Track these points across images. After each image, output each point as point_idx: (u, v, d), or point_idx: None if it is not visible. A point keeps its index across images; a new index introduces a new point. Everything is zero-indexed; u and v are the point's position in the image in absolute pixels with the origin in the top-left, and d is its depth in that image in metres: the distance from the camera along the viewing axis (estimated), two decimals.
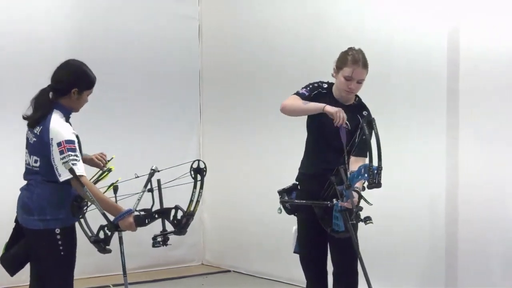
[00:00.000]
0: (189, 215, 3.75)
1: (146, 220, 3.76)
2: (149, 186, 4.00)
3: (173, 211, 3.77)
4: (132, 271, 6.62)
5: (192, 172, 3.79)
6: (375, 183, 3.67)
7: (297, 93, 4.28)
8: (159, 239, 3.84)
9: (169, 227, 3.83)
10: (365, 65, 4.17)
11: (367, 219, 3.89)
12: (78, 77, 3.82)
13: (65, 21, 6.51)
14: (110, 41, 6.68)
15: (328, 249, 4.37)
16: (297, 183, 4.41)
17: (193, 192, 3.76)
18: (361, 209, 3.89)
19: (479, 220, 5.14)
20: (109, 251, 3.86)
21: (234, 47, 7.04)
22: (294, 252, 4.45)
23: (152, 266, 6.79)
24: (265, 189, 6.19)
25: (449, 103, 5.31)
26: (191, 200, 3.76)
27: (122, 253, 4.10)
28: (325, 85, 4.33)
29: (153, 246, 3.87)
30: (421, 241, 5.50)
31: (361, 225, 4.01)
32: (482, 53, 5.10)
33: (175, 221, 3.76)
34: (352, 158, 4.10)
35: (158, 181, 3.95)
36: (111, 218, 3.73)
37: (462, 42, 5.23)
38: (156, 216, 3.79)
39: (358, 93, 4.34)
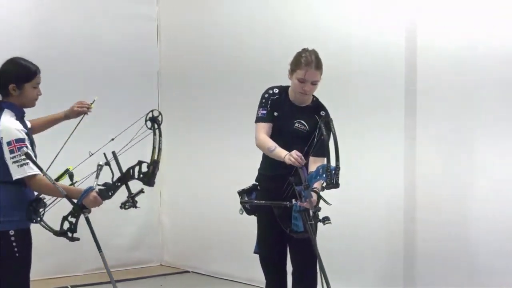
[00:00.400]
0: (154, 163, 3.81)
1: (110, 192, 3.79)
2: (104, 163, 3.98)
3: (137, 167, 3.82)
4: (90, 272, 6.67)
5: (149, 123, 3.90)
6: (333, 183, 3.70)
7: (259, 118, 4.29)
8: (128, 204, 3.89)
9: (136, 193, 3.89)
10: (318, 66, 4.18)
11: (326, 219, 3.89)
12: (10, 73, 3.77)
13: (22, 20, 6.43)
14: (66, 41, 6.60)
15: (288, 249, 4.38)
16: (257, 183, 4.42)
17: (154, 139, 3.87)
18: (319, 209, 3.90)
19: (437, 220, 5.18)
20: (77, 239, 3.85)
21: (193, 47, 7.00)
22: (254, 252, 4.47)
23: (110, 267, 6.70)
24: (225, 190, 6.17)
25: (407, 102, 5.34)
26: (154, 147, 3.84)
27: (92, 232, 3.99)
28: (276, 90, 4.34)
29: (122, 207, 3.92)
30: (380, 241, 5.52)
31: (320, 225, 4.02)
32: (439, 52, 5.13)
33: (142, 175, 3.81)
34: (311, 159, 4.12)
35: (113, 152, 3.96)
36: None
37: (419, 41, 5.24)
38: (119, 184, 3.83)
39: (316, 93, 4.36)
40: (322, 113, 4.26)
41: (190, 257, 7.20)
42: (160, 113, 3.91)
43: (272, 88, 4.37)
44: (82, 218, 3.86)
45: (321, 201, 4.03)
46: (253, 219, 4.48)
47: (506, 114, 4.82)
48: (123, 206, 3.89)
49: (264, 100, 4.33)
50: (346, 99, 5.63)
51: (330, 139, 3.89)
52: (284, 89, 4.36)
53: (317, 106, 4.32)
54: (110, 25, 6.91)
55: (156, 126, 3.91)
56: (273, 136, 4.28)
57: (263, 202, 4.25)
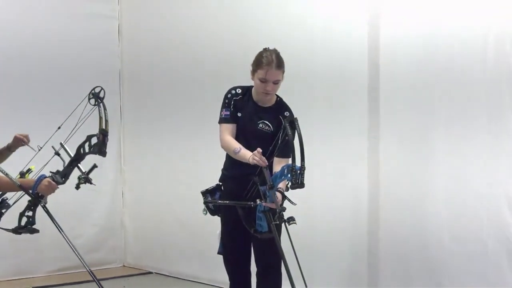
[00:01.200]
0: (103, 132, 4.03)
1: (63, 177, 3.99)
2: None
3: (87, 143, 4.03)
4: (51, 273, 6.62)
5: (92, 100, 4.14)
6: (298, 183, 3.67)
7: (222, 119, 4.30)
8: (82, 181, 4.13)
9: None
10: (279, 65, 4.17)
11: (291, 220, 3.87)
12: None
13: None
14: (26, 40, 6.52)
15: (252, 249, 4.38)
16: (221, 183, 4.42)
17: (99, 111, 4.09)
18: (284, 209, 3.88)
19: (400, 219, 5.21)
20: (37, 230, 3.99)
21: (155, 46, 6.96)
22: (218, 253, 4.46)
23: (71, 268, 6.63)
24: (188, 189, 6.26)
25: (370, 102, 5.35)
26: (100, 117, 4.06)
27: (51, 218, 4.14)
28: (239, 90, 4.34)
29: (77, 187, 4.16)
30: (344, 241, 5.53)
31: (284, 225, 3.98)
32: (400, 50, 5.14)
33: (92, 147, 4.01)
34: (275, 159, 4.12)
35: (61, 143, 4.14)
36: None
37: (382, 39, 5.26)
38: (71, 166, 4.02)
39: (280, 93, 4.36)
40: (286, 113, 4.27)
41: (153, 258, 7.14)
42: (102, 88, 4.13)
43: (234, 88, 4.36)
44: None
45: (286, 201, 4.03)
46: (217, 220, 4.47)
47: (464, 111, 4.85)
48: (77, 186, 4.09)
49: (227, 101, 4.32)
50: (309, 99, 5.62)
51: (294, 139, 3.85)
52: (247, 89, 4.36)
53: (280, 106, 4.32)
54: (70, 24, 6.82)
55: (99, 100, 4.12)
56: (237, 137, 4.28)
57: (227, 202, 4.25)
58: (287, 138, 3.86)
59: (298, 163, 3.74)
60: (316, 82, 5.66)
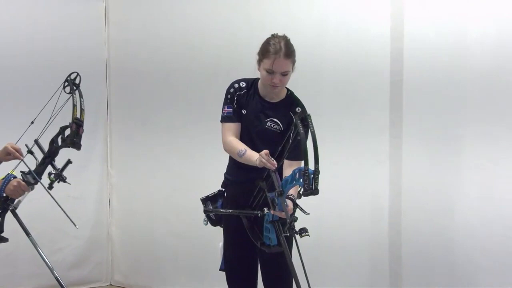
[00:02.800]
0: (78, 122, 4.08)
1: (34, 176, 4.03)
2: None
3: (60, 136, 4.09)
4: None
5: (67, 87, 4.18)
6: (311, 189, 3.58)
7: (224, 118, 4.30)
8: (53, 178, 4.11)
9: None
10: (288, 54, 4.12)
11: (303, 231, 3.80)
12: None
13: None
14: (6, 29, 6.45)
15: (259, 265, 4.39)
16: (223, 189, 4.42)
17: (74, 98, 4.14)
18: (295, 219, 3.82)
19: (426, 231, 5.27)
20: (6, 239, 4.07)
21: (147, 31, 6.85)
22: (220, 269, 4.46)
23: (52, 287, 6.66)
24: (185, 196, 6.26)
25: (392, 96, 5.40)
26: (74, 105, 4.11)
27: (21, 224, 4.20)
28: (243, 84, 4.33)
29: (50, 187, 4.11)
30: (361, 255, 5.58)
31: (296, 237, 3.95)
32: (427, 39, 5.21)
33: (66, 139, 4.08)
34: (286, 162, 4.08)
35: (35, 140, 4.18)
36: None
37: (406, 26, 5.30)
38: (44, 164, 4.06)
39: (289, 86, 4.35)
40: (298, 109, 4.23)
41: (144, 275, 7.10)
42: (78, 74, 4.23)
43: (238, 81, 4.36)
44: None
45: (297, 210, 4.02)
46: (218, 231, 4.49)
47: (498, 110, 4.92)
48: (50, 186, 4.09)
49: (229, 96, 4.31)
50: (319, 92, 5.66)
51: (307, 138, 3.77)
52: (252, 82, 4.35)
53: (291, 101, 4.29)
54: (47, 4, 6.72)
55: (75, 87, 4.18)
56: (241, 137, 4.28)
57: (230, 211, 4.24)
58: (299, 138, 3.78)
59: (311, 166, 3.65)
60: (329, 74, 5.69)
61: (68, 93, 4.19)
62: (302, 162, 3.76)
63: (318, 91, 5.62)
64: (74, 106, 4.10)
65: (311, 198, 3.68)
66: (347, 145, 5.57)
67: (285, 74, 4.15)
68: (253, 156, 4.02)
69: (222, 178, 4.49)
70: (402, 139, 5.37)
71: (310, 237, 3.88)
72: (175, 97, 6.69)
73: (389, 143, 5.44)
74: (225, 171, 4.47)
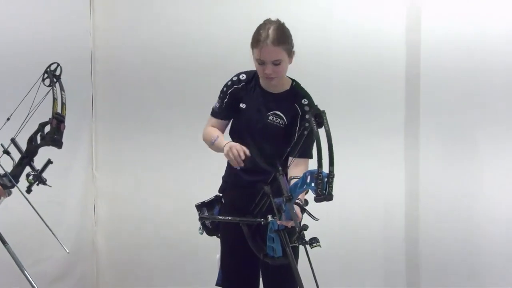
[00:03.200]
0: (58, 117, 4.01)
1: (12, 178, 3.98)
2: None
3: (39, 134, 4.03)
4: None
5: (47, 79, 4.14)
6: (325, 194, 3.43)
7: (212, 112, 4.35)
8: (32, 180, 4.05)
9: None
10: (276, 40, 3.99)
11: (314, 241, 3.61)
12: None
13: None
14: None
15: (261, 280, 4.29)
16: (221, 195, 4.35)
17: (54, 91, 4.07)
18: (306, 228, 3.64)
19: (445, 238, 5.39)
20: None
21: (138, 20, 6.70)
22: (217, 284, 4.37)
23: None
24: (177, 203, 6.19)
25: (408, 92, 5.43)
26: (54, 99, 4.03)
27: None
28: (243, 76, 4.27)
29: (28, 190, 4.07)
30: (375, 264, 5.69)
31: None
32: (445, 34, 5.32)
33: (45, 136, 4.02)
34: (292, 160, 3.94)
35: (12, 139, 4.12)
36: None
37: (423, 20, 5.37)
38: (22, 164, 4.02)
39: (299, 78, 4.25)
40: (304, 101, 4.14)
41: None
42: (58, 64, 4.20)
43: (238, 74, 4.29)
44: None
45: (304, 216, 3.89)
46: (215, 241, 4.38)
47: None
48: (29, 189, 4.06)
49: (225, 89, 4.28)
50: (329, 88, 5.61)
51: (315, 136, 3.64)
52: (254, 74, 4.26)
53: (296, 92, 4.20)
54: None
55: (55, 79, 4.14)
56: (241, 134, 4.22)
57: (229, 218, 4.11)
58: (306, 132, 3.72)
59: (325, 168, 3.49)
60: (339, 68, 5.68)
61: (48, 86, 4.13)
62: (309, 160, 3.93)
63: (327, 87, 5.60)
64: (54, 99, 4.03)
65: (319, 203, 3.52)
66: (358, 146, 5.57)
67: (277, 63, 4.04)
68: (222, 143, 4.07)
69: (219, 182, 4.41)
70: (418, 139, 5.45)
71: (321, 248, 3.70)
72: (167, 94, 6.57)
73: (404, 143, 5.49)
74: (223, 174, 4.40)
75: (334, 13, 5.60)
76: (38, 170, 4.07)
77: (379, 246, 5.50)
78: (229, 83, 4.26)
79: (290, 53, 4.06)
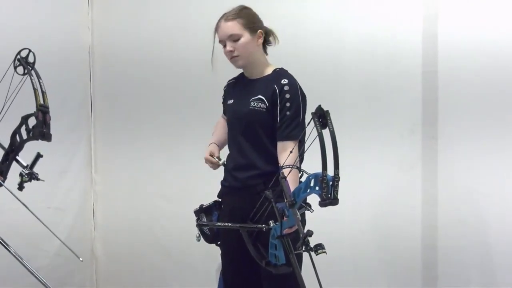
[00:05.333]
0: (43, 108, 3.92)
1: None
2: None
3: (23, 127, 3.96)
4: None
5: (20, 68, 4.05)
6: (330, 198, 3.37)
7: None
8: (25, 178, 4.01)
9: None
10: (230, 16, 4.18)
11: (319, 248, 3.53)
12: None
13: None
14: None
15: None
16: (220, 200, 4.34)
17: (32, 81, 3.96)
18: (311, 233, 3.55)
19: (465, 248, 5.28)
20: None
21: (139, 14, 6.71)
22: None
23: None
24: (177, 208, 6.18)
25: (424, 90, 5.36)
26: (35, 89, 3.93)
27: None
28: (238, 75, 4.43)
29: (20, 188, 4.03)
30: (390, 275, 5.57)
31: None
32: (464, 28, 5.23)
33: (33, 130, 3.93)
34: (279, 145, 4.07)
35: None
36: None
37: (440, 13, 5.30)
38: (7, 161, 4.00)
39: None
40: (284, 80, 4.13)
41: None
42: (30, 50, 4.09)
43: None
44: None
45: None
46: (215, 248, 4.38)
47: None
48: (20, 186, 4.01)
49: (225, 89, 4.49)
50: (343, 88, 5.62)
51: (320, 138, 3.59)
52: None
53: (277, 75, 4.23)
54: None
55: (30, 67, 4.04)
56: (229, 127, 4.37)
57: (228, 224, 4.09)
58: (288, 113, 3.94)
59: (329, 172, 3.44)
60: (351, 64, 5.64)
61: (22, 75, 4.07)
62: (295, 142, 3.92)
63: (338, 85, 5.60)
64: (34, 90, 3.95)
65: (329, 211, 3.51)
66: (372, 148, 5.53)
67: (235, 39, 4.16)
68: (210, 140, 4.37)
69: (218, 187, 4.40)
70: (437, 140, 5.36)
71: (329, 255, 3.62)
72: (169, 93, 6.58)
73: (421, 145, 5.41)
74: (222, 178, 4.41)
75: (349, 11, 5.61)
76: (28, 165, 4.04)
77: (394, 253, 5.48)
78: (227, 82, 4.42)
79: (253, 30, 4.15)
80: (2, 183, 3.99)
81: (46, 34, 6.44)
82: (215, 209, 4.27)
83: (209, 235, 4.26)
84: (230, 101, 4.31)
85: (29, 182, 4.07)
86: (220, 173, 4.42)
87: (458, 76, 5.21)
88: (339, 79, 5.58)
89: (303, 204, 3.68)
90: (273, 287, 4.14)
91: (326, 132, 3.37)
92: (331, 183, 3.38)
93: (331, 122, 3.45)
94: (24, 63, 4.09)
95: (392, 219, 5.44)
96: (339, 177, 3.37)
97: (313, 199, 3.59)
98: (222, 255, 4.32)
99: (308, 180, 3.51)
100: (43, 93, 3.96)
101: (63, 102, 6.62)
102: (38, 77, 4.02)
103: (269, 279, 4.08)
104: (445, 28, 5.26)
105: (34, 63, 4.08)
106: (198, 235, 4.26)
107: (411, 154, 5.39)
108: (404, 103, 5.39)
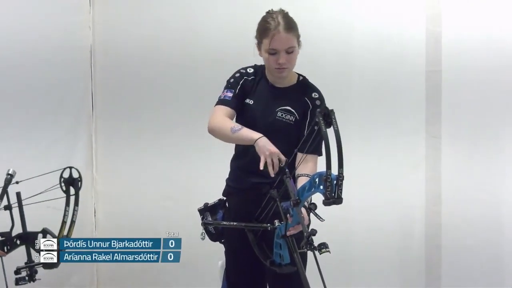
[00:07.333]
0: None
1: (5, 247, 3.89)
2: (5, 202, 4.05)
3: (40, 236, 3.88)
4: None
5: (63, 184, 3.93)
6: (334, 197, 3.40)
7: (221, 101, 4.23)
8: (24, 273, 3.91)
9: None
10: (288, 27, 4.05)
11: (323, 247, 3.57)
12: None
13: None
14: None
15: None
16: (224, 198, 4.34)
17: (66, 210, 3.93)
18: (314, 232, 3.59)
19: (469, 248, 5.37)
20: None
21: (141, 11, 6.72)
22: None
23: None
24: (181, 207, 6.20)
25: (428, 89, 5.45)
26: (64, 222, 3.91)
27: None
28: (251, 70, 4.30)
29: (17, 283, 3.91)
30: (393, 275, 5.62)
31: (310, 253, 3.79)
32: (467, 27, 5.36)
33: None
34: (299, 156, 3.96)
35: (18, 194, 4.02)
36: None
37: (444, 12, 5.40)
38: (18, 242, 3.93)
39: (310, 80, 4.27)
40: (314, 94, 4.15)
41: None
42: (80, 175, 4.08)
43: (245, 67, 4.31)
44: None
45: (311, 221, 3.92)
46: (219, 247, 4.40)
47: None
48: (17, 275, 3.94)
49: (232, 80, 4.26)
50: (347, 88, 5.68)
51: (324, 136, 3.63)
52: (259, 68, 4.30)
53: (305, 86, 4.22)
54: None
55: (72, 191, 4.01)
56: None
57: (233, 223, 4.13)
58: (316, 127, 3.62)
59: (334, 170, 3.46)
60: (356, 64, 5.70)
61: (64, 192, 4.07)
62: (318, 157, 3.95)
63: (343, 84, 5.65)
64: (63, 223, 4.01)
65: (335, 210, 3.53)
66: (375, 147, 5.59)
67: (290, 51, 4.08)
68: (252, 134, 3.94)
69: (223, 184, 4.41)
70: (441, 138, 5.45)
71: (334, 255, 3.71)
72: (170, 92, 6.59)
73: (425, 144, 5.49)
74: (227, 177, 4.39)
75: (353, 12, 5.66)
76: (33, 263, 3.97)
77: (397, 252, 5.52)
78: (237, 74, 4.27)
79: (299, 41, 4.11)
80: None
81: (47, 33, 6.45)
82: (220, 208, 4.28)
83: (214, 234, 4.28)
84: (250, 101, 4.21)
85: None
86: (220, 173, 4.42)
87: (462, 76, 5.26)
88: (343, 79, 5.59)
89: (314, 212, 3.70)
90: (277, 287, 4.18)
91: (330, 131, 3.40)
92: (335, 182, 3.37)
93: (335, 121, 3.47)
94: (70, 184, 4.03)
95: (396, 218, 5.47)
96: (343, 176, 3.38)
97: (317, 198, 3.60)
98: (227, 253, 4.34)
99: (312, 179, 3.52)
100: (72, 223, 3.99)
101: (64, 101, 6.68)
102: (76, 204, 4.03)
103: (273, 278, 4.11)
104: (448, 27, 5.29)
105: (80, 187, 4.03)
106: (202, 233, 4.28)
107: (415, 153, 5.42)
108: (408, 102, 5.43)
